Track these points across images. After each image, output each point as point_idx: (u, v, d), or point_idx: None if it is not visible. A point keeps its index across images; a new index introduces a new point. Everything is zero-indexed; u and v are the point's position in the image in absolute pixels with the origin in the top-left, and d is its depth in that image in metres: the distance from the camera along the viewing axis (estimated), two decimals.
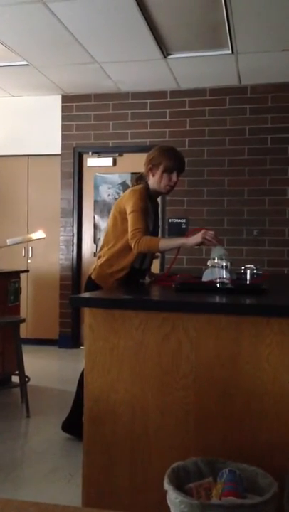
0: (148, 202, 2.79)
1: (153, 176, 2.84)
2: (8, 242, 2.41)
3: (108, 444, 1.92)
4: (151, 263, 3.09)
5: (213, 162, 5.72)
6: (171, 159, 2.81)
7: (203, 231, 2.48)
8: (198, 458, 1.72)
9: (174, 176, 2.83)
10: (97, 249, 5.97)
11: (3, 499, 0.76)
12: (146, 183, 2.88)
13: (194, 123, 5.77)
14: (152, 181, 2.86)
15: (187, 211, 5.77)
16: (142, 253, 2.72)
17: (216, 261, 2.21)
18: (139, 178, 2.96)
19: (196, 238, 2.50)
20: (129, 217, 2.69)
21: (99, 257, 2.92)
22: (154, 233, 2.96)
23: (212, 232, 2.48)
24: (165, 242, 2.62)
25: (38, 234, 2.45)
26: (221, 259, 2.28)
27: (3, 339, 4.14)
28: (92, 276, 2.90)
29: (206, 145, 5.74)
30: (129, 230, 2.66)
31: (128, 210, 2.71)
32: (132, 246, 2.65)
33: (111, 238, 2.85)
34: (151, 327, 1.87)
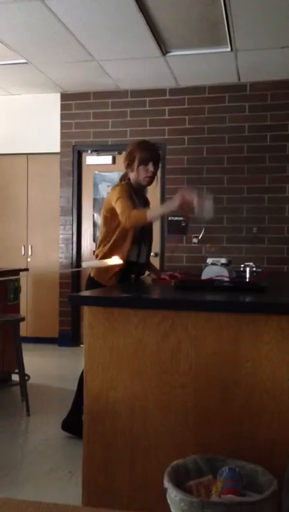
0: (132, 194, 2.86)
1: (132, 171, 2.92)
2: (83, 264, 2.52)
3: (108, 442, 1.93)
4: (148, 257, 3.14)
5: (213, 160, 5.71)
6: (143, 151, 2.88)
7: (179, 195, 2.49)
8: (198, 456, 1.72)
9: (150, 167, 2.89)
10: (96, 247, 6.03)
11: (2, 498, 0.76)
12: (129, 179, 2.96)
13: (193, 121, 5.76)
14: (133, 176, 2.93)
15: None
16: (135, 226, 2.75)
17: (88, 264, 2.31)
18: (122, 177, 3.04)
19: (174, 204, 2.51)
20: (117, 206, 2.77)
21: (96, 256, 2.98)
22: (148, 229, 3.01)
23: (188, 194, 2.47)
24: (151, 212, 2.69)
25: (115, 260, 2.53)
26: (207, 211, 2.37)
27: (3, 338, 4.14)
28: (91, 274, 2.97)
29: (205, 143, 5.73)
30: (119, 214, 2.73)
31: (113, 203, 2.80)
32: (124, 223, 2.71)
33: (104, 236, 2.93)
34: (150, 325, 1.87)
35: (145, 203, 3.07)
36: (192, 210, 2.50)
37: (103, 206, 2.95)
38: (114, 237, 2.86)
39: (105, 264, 2.50)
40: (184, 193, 2.47)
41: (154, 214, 2.71)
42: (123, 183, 2.95)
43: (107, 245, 2.88)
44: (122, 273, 2.86)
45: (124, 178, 3.02)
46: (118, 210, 2.75)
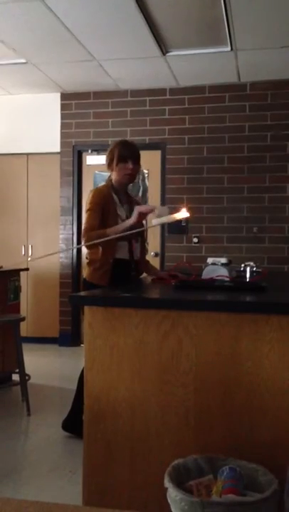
0: (110, 197, 2.91)
1: (112, 170, 2.96)
2: (154, 222, 2.54)
3: (108, 442, 1.93)
4: (144, 254, 3.14)
5: (213, 159, 5.71)
6: (122, 149, 2.92)
7: (136, 209, 2.70)
8: (199, 455, 1.72)
9: (129, 164, 2.91)
10: None
11: (3, 498, 0.76)
12: (111, 180, 3.00)
13: (193, 120, 5.76)
14: (114, 176, 2.97)
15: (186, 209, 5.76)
16: (93, 245, 2.83)
17: (159, 221, 2.50)
18: (109, 179, 3.07)
19: (133, 217, 2.70)
20: (85, 216, 2.92)
21: (86, 258, 3.02)
22: (138, 226, 2.98)
23: (144, 205, 2.80)
24: (112, 230, 2.77)
25: (183, 213, 2.53)
26: (161, 216, 2.52)
27: (4, 337, 4.14)
28: (84, 275, 3.00)
29: (206, 142, 5.73)
30: (82, 229, 2.90)
31: (86, 208, 2.93)
32: (85, 242, 2.83)
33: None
34: (151, 325, 1.87)
35: (130, 202, 3.07)
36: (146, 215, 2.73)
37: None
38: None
39: (174, 218, 2.53)
40: (140, 208, 2.70)
41: (115, 231, 2.75)
42: (102, 185, 3.01)
43: (92, 247, 2.90)
44: (114, 272, 2.85)
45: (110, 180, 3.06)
46: (84, 223, 2.89)
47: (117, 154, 2.90)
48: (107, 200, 2.89)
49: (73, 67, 5.28)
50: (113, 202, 2.92)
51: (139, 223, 2.77)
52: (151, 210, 2.66)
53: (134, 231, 2.69)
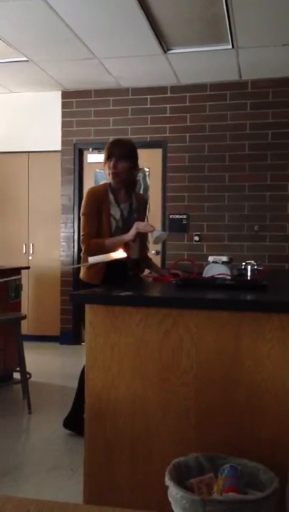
0: (105, 196, 2.89)
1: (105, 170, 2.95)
2: (90, 260, 2.57)
3: (109, 440, 1.93)
4: (145, 252, 3.13)
5: (214, 158, 5.70)
6: (109, 148, 2.90)
7: (134, 225, 2.69)
8: (199, 453, 1.72)
9: (112, 163, 2.84)
10: None
11: (3, 496, 0.76)
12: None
13: (195, 118, 5.75)
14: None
15: (188, 207, 5.76)
16: (91, 252, 2.80)
17: (153, 239, 2.58)
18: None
19: (131, 232, 2.70)
20: (81, 221, 2.88)
21: (80, 258, 3.01)
22: (133, 221, 2.93)
23: (143, 223, 2.71)
24: (110, 242, 2.77)
25: (119, 253, 2.58)
26: (157, 240, 2.62)
27: (5, 336, 4.15)
28: (80, 276, 2.97)
29: (207, 140, 5.73)
30: (81, 234, 2.86)
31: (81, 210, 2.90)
32: (84, 251, 2.83)
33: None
34: (151, 323, 1.87)
35: (131, 202, 2.98)
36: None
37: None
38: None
39: (111, 257, 2.54)
40: (138, 226, 2.68)
41: (113, 243, 2.74)
42: (99, 184, 2.99)
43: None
44: (108, 271, 2.82)
45: None
46: (81, 228, 2.87)
47: (105, 154, 2.88)
48: (101, 199, 2.87)
49: (74, 65, 5.28)
50: (108, 201, 2.89)
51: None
52: (149, 231, 2.67)
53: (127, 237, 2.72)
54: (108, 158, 2.86)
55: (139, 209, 3.03)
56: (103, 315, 1.93)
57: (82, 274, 2.96)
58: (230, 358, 1.79)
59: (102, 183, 3.04)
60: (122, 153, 2.86)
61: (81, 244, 2.87)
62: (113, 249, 2.69)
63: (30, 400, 3.65)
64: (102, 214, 2.86)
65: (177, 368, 1.84)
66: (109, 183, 2.94)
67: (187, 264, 5.57)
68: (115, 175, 2.85)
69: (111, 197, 2.91)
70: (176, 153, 5.79)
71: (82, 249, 2.86)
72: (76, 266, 2.67)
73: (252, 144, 5.62)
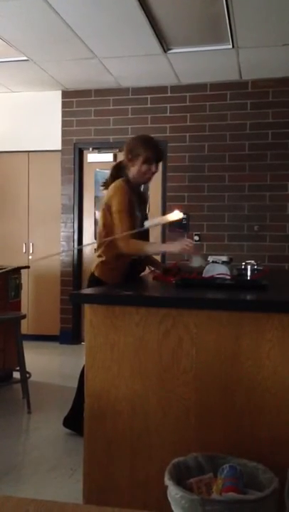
0: (131, 195, 2.81)
1: (132, 166, 2.86)
2: (146, 224, 2.50)
3: (109, 440, 1.93)
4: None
5: (214, 157, 5.70)
6: (150, 150, 2.84)
7: (182, 240, 2.60)
8: (199, 453, 1.72)
9: (153, 167, 2.85)
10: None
11: (3, 496, 0.76)
12: (127, 174, 2.89)
13: (195, 118, 5.75)
14: (132, 171, 2.88)
15: (188, 207, 5.76)
16: (130, 255, 2.77)
17: (193, 263, 2.47)
18: (117, 167, 2.96)
19: (175, 246, 2.61)
20: (115, 218, 2.74)
21: (99, 256, 2.91)
22: (143, 222, 2.95)
23: (190, 241, 2.57)
24: (150, 248, 2.72)
25: (175, 214, 2.52)
26: (195, 264, 2.54)
27: (4, 335, 4.15)
28: (96, 274, 2.90)
29: (207, 140, 5.72)
30: (116, 231, 2.72)
31: (113, 208, 2.75)
32: (121, 248, 2.71)
33: (104, 235, 2.86)
34: (151, 323, 1.87)
35: (140, 199, 3.01)
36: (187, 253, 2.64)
37: (103, 202, 2.87)
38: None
39: (167, 219, 2.51)
40: (184, 244, 2.56)
41: (153, 250, 2.71)
42: (122, 181, 2.83)
43: (109, 246, 2.82)
44: (128, 271, 2.84)
45: (119, 169, 2.94)
46: (116, 224, 2.73)
47: (145, 155, 2.80)
48: (131, 197, 2.80)
49: (74, 65, 5.28)
50: (133, 201, 2.82)
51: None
52: (194, 254, 2.58)
53: (140, 229, 2.67)
54: (149, 162, 2.81)
55: (140, 208, 3.00)
56: (103, 315, 1.93)
57: (98, 272, 2.88)
58: (230, 357, 1.79)
59: (119, 182, 2.84)
60: (161, 157, 2.89)
61: (119, 243, 2.71)
62: (149, 255, 2.64)
63: (30, 399, 3.65)
64: (132, 212, 2.79)
65: (177, 367, 1.84)
66: (127, 181, 2.85)
67: (187, 263, 5.56)
68: (151, 178, 2.89)
69: (134, 195, 2.85)
70: (176, 153, 5.79)
71: (122, 247, 2.71)
72: (90, 244, 2.61)
73: (252, 143, 5.61)
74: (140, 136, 2.98)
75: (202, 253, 2.56)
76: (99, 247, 2.94)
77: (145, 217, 3.05)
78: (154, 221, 2.51)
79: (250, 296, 1.93)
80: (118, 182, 2.84)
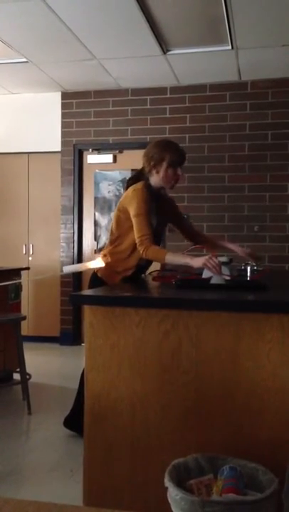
0: (150, 201, 2.73)
1: (157, 172, 2.77)
2: (64, 269, 2.32)
3: (109, 441, 1.93)
4: (196, 230, 3.18)
5: (214, 158, 5.71)
6: (174, 153, 2.76)
7: (207, 257, 2.35)
8: (199, 454, 1.72)
9: (178, 170, 2.78)
10: (98, 246, 6.03)
11: (2, 498, 0.76)
12: (148, 179, 2.81)
13: (194, 119, 5.75)
14: (156, 178, 2.79)
15: (188, 208, 5.76)
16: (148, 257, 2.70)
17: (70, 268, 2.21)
18: (137, 175, 2.88)
19: (199, 262, 2.38)
20: (134, 221, 2.65)
21: (104, 255, 2.89)
22: (159, 231, 2.93)
23: (215, 261, 2.33)
24: (171, 257, 2.55)
25: (96, 263, 2.40)
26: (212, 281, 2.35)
27: (5, 337, 4.15)
28: (99, 274, 2.88)
29: (207, 141, 5.73)
30: (136, 235, 2.63)
31: (131, 212, 2.67)
32: (140, 252, 2.62)
33: (115, 237, 2.84)
34: (151, 324, 1.87)
35: (161, 207, 2.88)
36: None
37: (119, 203, 2.81)
38: (125, 245, 2.77)
39: (86, 267, 2.37)
40: (208, 262, 2.33)
41: (172, 260, 2.55)
42: (142, 184, 2.74)
43: (117, 248, 2.81)
44: (132, 275, 2.83)
45: (139, 176, 2.86)
46: (135, 228, 2.64)
47: (170, 159, 2.73)
48: (149, 201, 2.72)
49: (74, 66, 5.28)
50: (151, 207, 2.74)
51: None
52: (216, 273, 2.34)
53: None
54: (174, 166, 2.75)
55: (158, 216, 2.86)
56: (103, 316, 1.93)
57: (102, 273, 2.84)
58: (229, 358, 1.79)
59: (139, 185, 2.75)
60: (184, 159, 2.82)
61: (138, 247, 2.62)
62: (165, 265, 2.54)
63: (30, 400, 3.64)
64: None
65: (177, 368, 1.84)
66: (148, 185, 2.77)
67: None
68: (176, 183, 2.83)
69: (152, 202, 2.75)
70: None
71: (141, 251, 2.60)
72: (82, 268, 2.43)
73: (252, 144, 5.62)
74: (160, 141, 2.87)
75: (224, 275, 2.38)
76: (108, 246, 2.90)
77: (164, 225, 3.00)
78: (74, 267, 2.37)
79: (250, 297, 1.93)
80: (138, 185, 2.75)
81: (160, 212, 2.89)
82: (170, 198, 3.11)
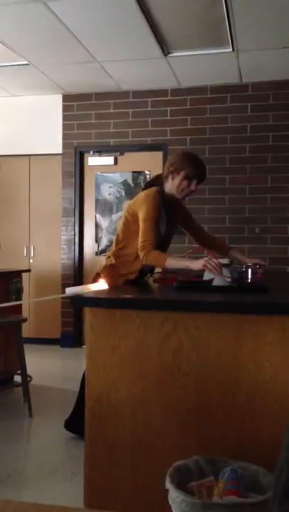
0: (161, 207, 2.74)
1: (172, 179, 2.80)
2: (67, 291, 2.29)
3: (110, 443, 1.93)
4: (210, 236, 3.23)
5: (215, 160, 5.71)
6: (195, 167, 2.79)
7: (207, 258, 2.37)
8: (200, 457, 1.71)
9: (193, 185, 2.79)
10: (99, 248, 6.04)
11: (3, 500, 0.76)
12: (162, 185, 2.83)
13: (195, 121, 5.76)
14: (170, 184, 2.81)
15: (189, 209, 5.75)
16: (148, 265, 2.71)
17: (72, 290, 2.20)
18: (155, 179, 2.91)
19: (198, 264, 2.40)
20: (141, 225, 2.66)
21: (108, 257, 2.90)
22: (167, 237, 2.92)
23: (215, 262, 2.35)
24: (171, 262, 2.56)
25: (101, 285, 2.39)
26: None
27: (6, 339, 4.15)
28: (102, 275, 2.87)
29: (207, 143, 5.73)
30: (140, 239, 2.64)
31: (140, 216, 2.69)
32: (140, 257, 2.63)
33: (121, 239, 2.84)
34: (152, 326, 1.87)
35: (173, 213, 2.88)
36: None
37: (128, 205, 2.82)
38: (130, 249, 2.77)
39: (89, 289, 2.34)
40: (208, 262, 2.35)
41: (173, 265, 2.56)
42: (155, 190, 2.75)
43: (122, 251, 2.80)
44: (134, 279, 2.83)
45: (156, 180, 2.88)
46: (141, 232, 2.65)
47: (187, 171, 2.75)
48: (160, 211, 2.73)
49: (75, 69, 5.29)
50: (161, 214, 2.74)
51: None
52: (217, 275, 2.34)
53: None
54: (189, 179, 2.77)
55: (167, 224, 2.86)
56: (104, 318, 1.93)
57: (105, 274, 2.83)
58: (230, 360, 1.79)
59: (152, 190, 2.75)
60: (204, 178, 2.84)
61: (139, 251, 2.64)
62: (165, 270, 2.58)
63: (31, 403, 3.64)
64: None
65: (178, 370, 1.84)
66: (161, 192, 2.77)
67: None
68: (188, 196, 2.85)
69: (162, 211, 2.75)
70: None
71: (141, 256, 2.61)
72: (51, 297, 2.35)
73: (252, 146, 5.62)
74: (186, 153, 2.90)
75: (225, 276, 2.36)
76: (113, 247, 2.91)
77: (172, 234, 3.00)
78: (77, 289, 2.34)
79: (251, 299, 1.92)
80: (151, 190, 2.76)
81: (172, 222, 2.89)
82: (182, 209, 3.08)
